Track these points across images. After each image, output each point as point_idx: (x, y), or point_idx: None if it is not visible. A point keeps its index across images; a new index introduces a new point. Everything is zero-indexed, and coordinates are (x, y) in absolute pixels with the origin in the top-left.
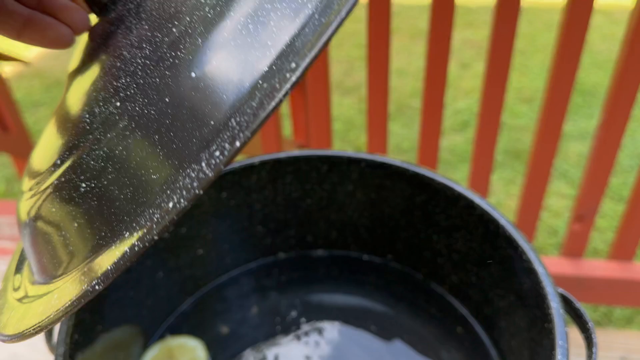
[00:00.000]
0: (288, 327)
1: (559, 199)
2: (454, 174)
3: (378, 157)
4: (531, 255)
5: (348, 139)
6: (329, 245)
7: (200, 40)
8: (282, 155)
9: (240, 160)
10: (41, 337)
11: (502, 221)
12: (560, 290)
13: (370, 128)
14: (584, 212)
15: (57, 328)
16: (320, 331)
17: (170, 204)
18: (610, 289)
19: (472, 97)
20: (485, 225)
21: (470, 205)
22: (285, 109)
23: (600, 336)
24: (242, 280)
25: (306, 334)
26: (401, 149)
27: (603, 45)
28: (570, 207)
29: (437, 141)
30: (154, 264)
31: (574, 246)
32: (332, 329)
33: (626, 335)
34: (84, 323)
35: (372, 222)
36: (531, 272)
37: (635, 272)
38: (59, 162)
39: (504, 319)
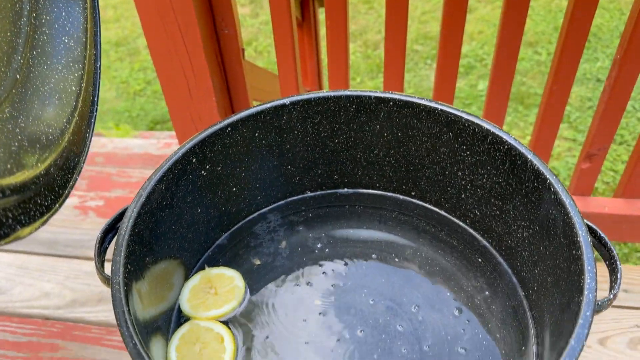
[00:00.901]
0: (316, 260)
1: (560, 142)
2: None
3: (406, 97)
4: (559, 187)
5: (352, 85)
6: (354, 184)
7: None
8: (312, 95)
9: (272, 100)
10: (75, 273)
11: (530, 155)
12: (585, 220)
13: (386, 74)
14: (595, 151)
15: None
16: (345, 262)
17: None
18: (617, 225)
19: (476, 41)
20: (512, 161)
21: (497, 140)
22: None
23: (601, 270)
24: (272, 216)
25: (333, 265)
26: (405, 93)
27: None
28: (571, 149)
29: (454, 86)
30: (194, 200)
31: (583, 185)
32: (356, 261)
33: (627, 269)
34: (135, 254)
35: (398, 160)
36: (559, 203)
37: None
38: None
39: (527, 248)
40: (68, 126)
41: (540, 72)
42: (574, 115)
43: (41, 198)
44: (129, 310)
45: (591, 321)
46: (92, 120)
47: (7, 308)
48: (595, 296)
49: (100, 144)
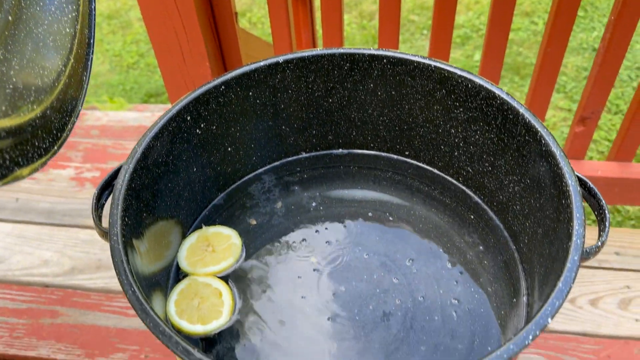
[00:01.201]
0: (311, 219)
1: (555, 111)
2: None
3: (399, 54)
4: (549, 139)
5: None
6: (349, 144)
7: None
8: (306, 53)
9: (266, 59)
10: (73, 242)
11: (522, 109)
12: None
13: (381, 44)
14: (588, 115)
15: (106, 213)
16: (340, 221)
17: None
18: (609, 189)
19: (473, 11)
20: (504, 115)
21: (490, 96)
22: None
23: (591, 234)
24: (267, 177)
25: (327, 224)
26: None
27: None
28: (566, 119)
29: (447, 56)
30: (189, 158)
31: (576, 148)
32: (351, 220)
33: (619, 232)
34: (132, 208)
35: (391, 119)
36: (549, 155)
37: (634, 172)
38: None
39: (519, 202)
40: (64, 69)
41: (537, 42)
42: (569, 85)
43: (39, 140)
44: (127, 260)
45: (579, 265)
46: (89, 63)
47: (7, 276)
48: (584, 242)
49: (95, 117)
